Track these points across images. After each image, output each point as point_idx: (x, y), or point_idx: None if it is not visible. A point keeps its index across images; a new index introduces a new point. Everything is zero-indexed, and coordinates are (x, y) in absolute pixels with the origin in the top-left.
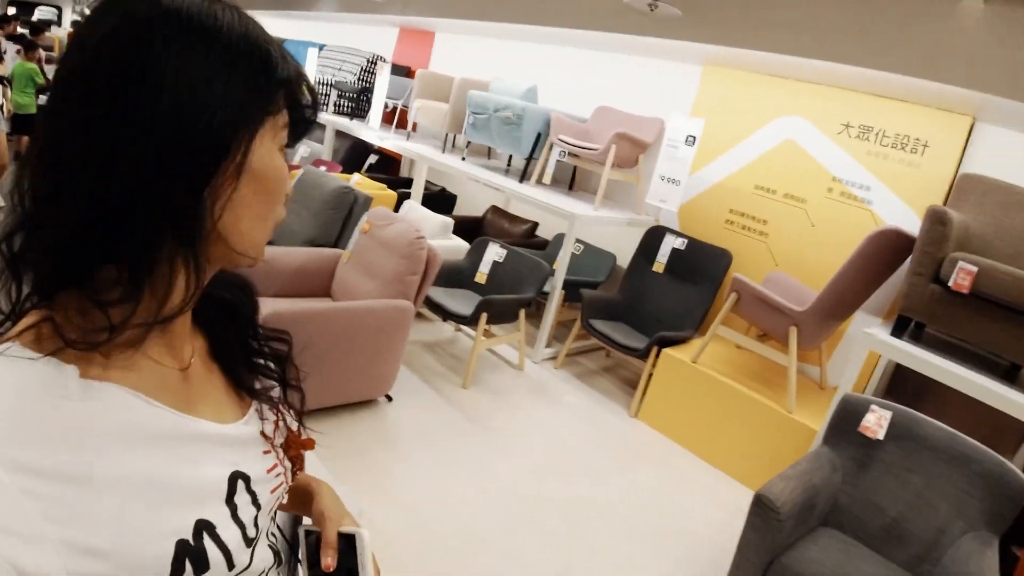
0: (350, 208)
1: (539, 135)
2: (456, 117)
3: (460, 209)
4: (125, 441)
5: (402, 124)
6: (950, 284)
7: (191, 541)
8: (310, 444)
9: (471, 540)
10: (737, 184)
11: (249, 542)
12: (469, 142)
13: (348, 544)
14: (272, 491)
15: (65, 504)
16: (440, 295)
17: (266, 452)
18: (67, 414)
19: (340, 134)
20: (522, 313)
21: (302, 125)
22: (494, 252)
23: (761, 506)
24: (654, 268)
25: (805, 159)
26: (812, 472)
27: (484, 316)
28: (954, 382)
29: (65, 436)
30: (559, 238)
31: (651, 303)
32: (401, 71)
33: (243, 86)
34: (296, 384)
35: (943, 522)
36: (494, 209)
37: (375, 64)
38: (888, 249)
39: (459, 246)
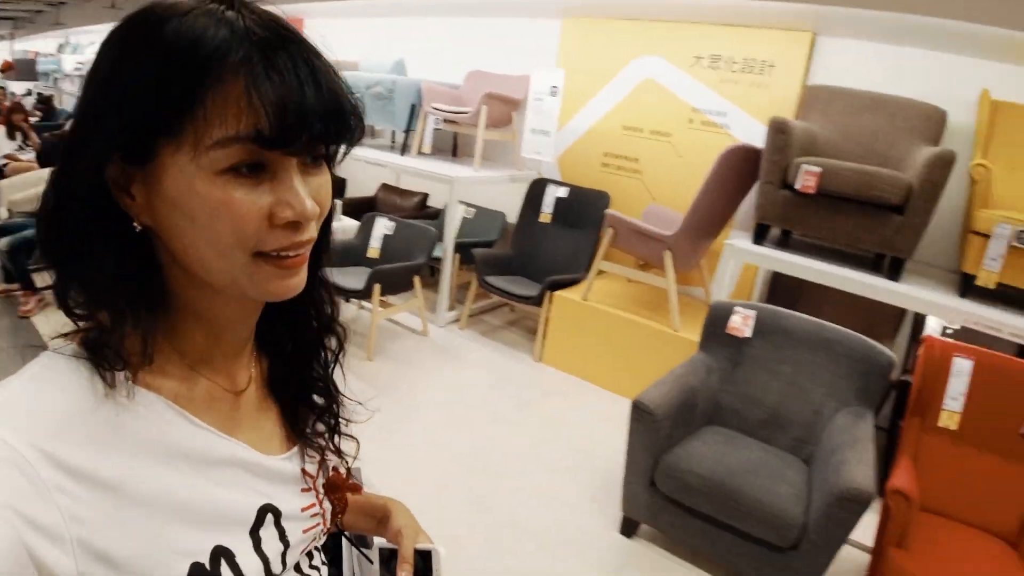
0: None
1: (413, 106)
2: None
3: (352, 191)
4: (161, 455)
5: None
6: (798, 187)
7: (207, 566)
8: (356, 489)
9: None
10: (607, 127)
11: None
12: None
13: (424, 561)
14: (305, 530)
15: (91, 507)
16: (333, 274)
17: (304, 490)
18: (110, 419)
19: None
20: (417, 280)
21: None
22: (383, 226)
23: (638, 411)
24: (541, 219)
25: (665, 95)
26: (687, 375)
27: (377, 287)
28: (815, 276)
29: (105, 441)
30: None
31: (542, 253)
32: None
33: (156, 86)
34: (350, 434)
35: (817, 404)
36: (384, 187)
37: None
38: (739, 165)
39: (349, 226)
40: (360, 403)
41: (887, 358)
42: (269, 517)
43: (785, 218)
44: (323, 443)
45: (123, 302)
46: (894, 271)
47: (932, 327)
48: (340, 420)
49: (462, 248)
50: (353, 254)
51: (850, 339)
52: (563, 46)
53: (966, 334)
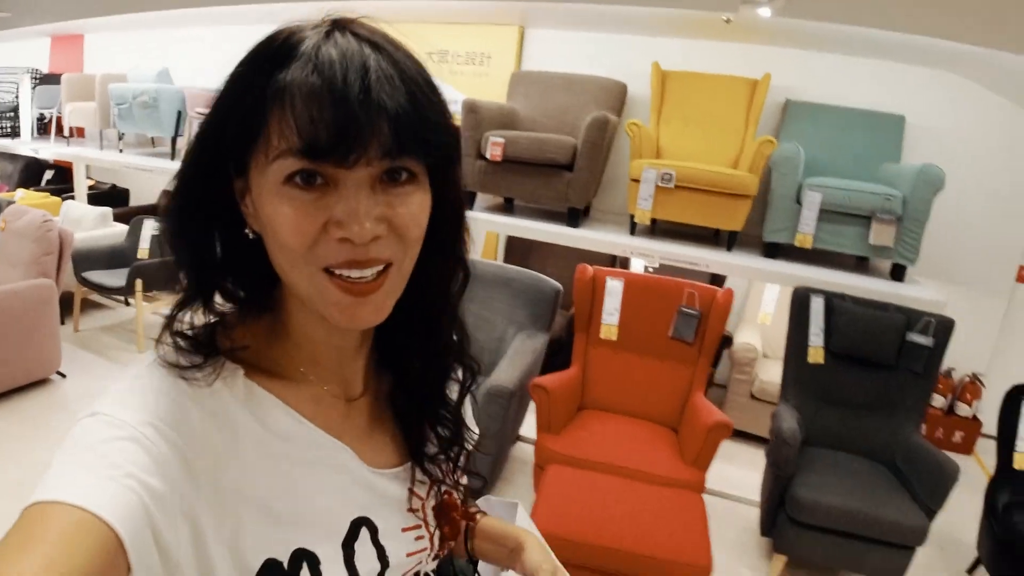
0: None
1: (180, 113)
2: (104, 112)
3: (136, 200)
4: (261, 450)
5: (61, 131)
6: (488, 156)
7: (285, 565)
8: (473, 518)
9: None
10: None
11: None
12: (122, 134)
13: None
14: (409, 554)
15: (191, 486)
16: (100, 276)
17: (411, 511)
18: (218, 410)
19: (15, 156)
20: (182, 274)
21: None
22: (150, 227)
23: None
24: None
25: None
26: None
27: (139, 283)
28: (514, 231)
29: (210, 430)
30: None
31: None
32: (55, 79)
33: (242, 105)
34: (477, 471)
35: (500, 332)
36: (165, 193)
37: (36, 79)
38: None
39: (121, 231)
40: (476, 434)
41: (553, 287)
42: (364, 532)
43: (484, 184)
44: (441, 472)
45: (239, 302)
46: (573, 220)
47: (636, 267)
48: (464, 451)
49: None
50: (124, 257)
51: (524, 276)
52: None
53: (664, 270)
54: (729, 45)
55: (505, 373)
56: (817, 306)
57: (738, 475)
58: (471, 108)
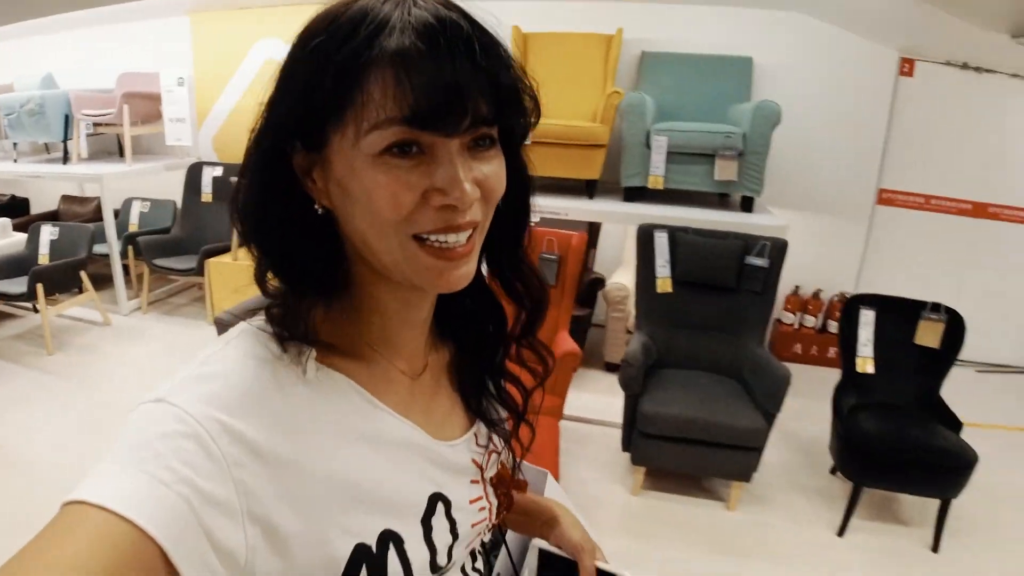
0: None
1: (67, 116)
2: None
3: (37, 208)
4: (339, 433)
5: None
6: None
7: (373, 548)
8: (523, 486)
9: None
10: (246, 105)
11: (436, 568)
12: (16, 143)
13: None
14: (474, 524)
15: (265, 480)
16: (2, 285)
17: (474, 482)
18: (292, 395)
19: None
20: (83, 274)
21: (425, 132)
22: (48, 232)
23: (221, 327)
24: (203, 199)
25: None
26: None
27: (40, 287)
28: None
29: (285, 417)
30: (127, 203)
31: (205, 229)
32: None
33: (322, 76)
34: (529, 422)
35: None
36: (65, 198)
37: None
38: None
39: (20, 240)
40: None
41: None
42: (440, 506)
43: None
44: (507, 432)
45: (309, 281)
46: None
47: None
48: (526, 409)
49: (137, 240)
50: (25, 264)
51: None
52: (195, 39)
53: (546, 223)
54: (586, 3)
55: None
56: (661, 240)
57: (617, 403)
58: None
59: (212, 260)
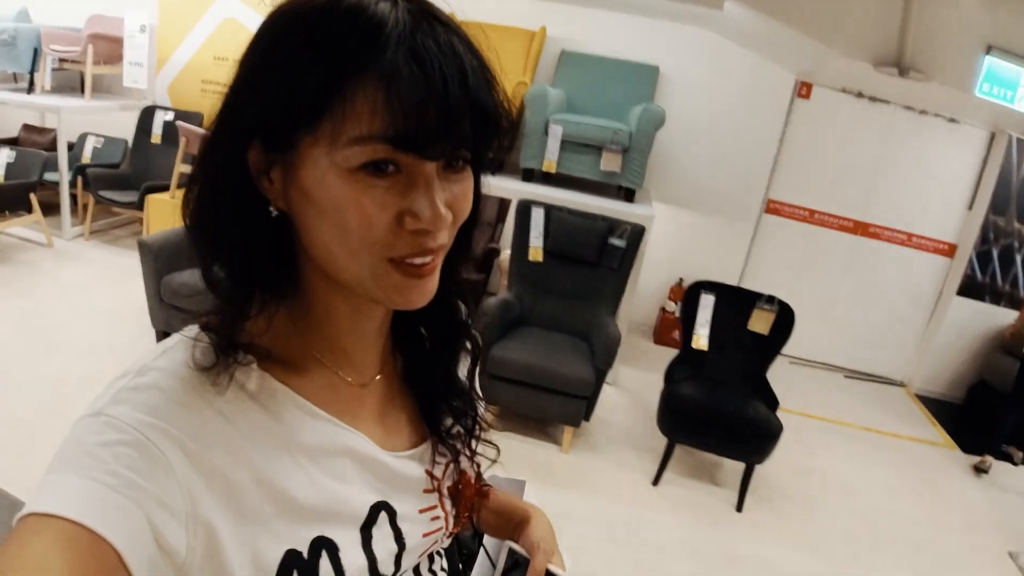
0: None
1: (36, 50)
2: None
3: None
4: (274, 442)
5: None
6: None
7: (304, 555)
8: (484, 493)
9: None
10: (202, 58)
11: None
12: None
13: None
14: (426, 534)
15: (201, 484)
16: None
17: (427, 491)
18: (229, 403)
19: None
20: (32, 197)
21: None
22: (4, 155)
23: (143, 248)
24: (152, 140)
25: (241, 28)
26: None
27: None
28: None
29: (221, 424)
30: (82, 137)
31: (151, 168)
32: None
33: (298, 79)
34: (490, 440)
35: None
36: (26, 127)
37: None
38: None
39: None
40: (489, 408)
41: None
42: (383, 515)
43: None
44: (459, 445)
45: (255, 284)
46: None
47: None
48: (478, 423)
49: (86, 172)
50: None
51: None
52: None
53: None
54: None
55: None
56: (537, 215)
57: None
58: None
59: (151, 196)
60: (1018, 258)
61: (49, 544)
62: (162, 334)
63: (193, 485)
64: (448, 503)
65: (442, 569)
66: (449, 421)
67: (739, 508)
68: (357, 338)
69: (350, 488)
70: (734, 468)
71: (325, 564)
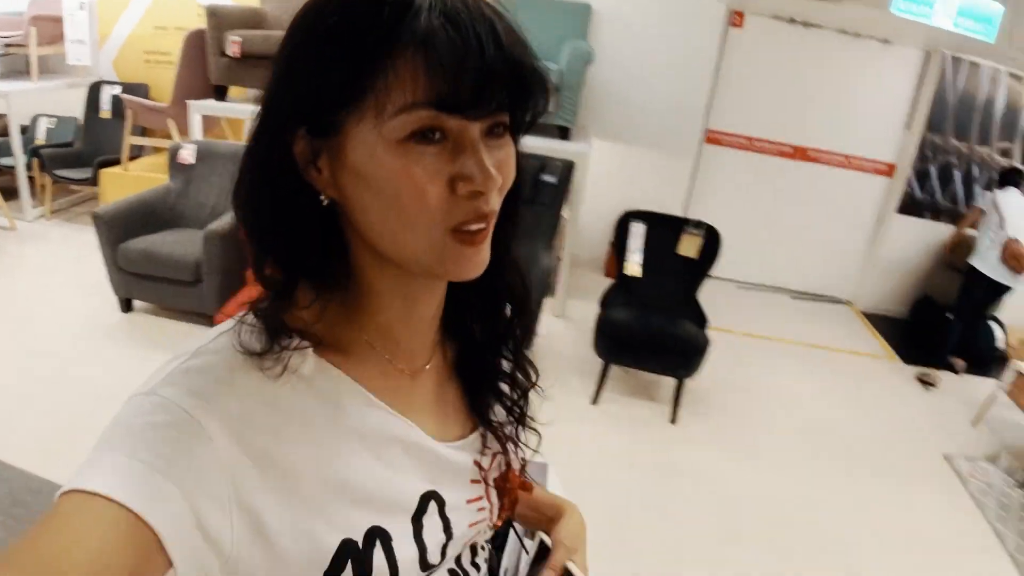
0: None
1: None
2: None
3: None
4: (331, 428)
5: None
6: (228, 53)
7: (359, 544)
8: (528, 487)
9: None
10: (143, 30)
11: (426, 566)
12: None
13: None
14: (471, 524)
15: (253, 472)
16: None
17: (474, 482)
18: (285, 389)
19: None
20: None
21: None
22: None
23: (96, 220)
24: (101, 115)
25: None
26: (146, 195)
27: None
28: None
29: (277, 410)
30: (35, 120)
31: (103, 143)
32: None
33: (336, 60)
34: (534, 427)
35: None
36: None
37: None
38: (198, 43)
39: None
40: (541, 391)
41: None
42: (432, 504)
43: (228, 78)
44: (506, 433)
45: (309, 275)
46: None
47: None
48: (527, 411)
49: (41, 153)
50: None
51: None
52: None
53: None
54: None
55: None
56: None
57: None
58: (212, 12)
59: (105, 170)
60: (957, 174)
61: (91, 523)
62: (124, 301)
63: (240, 469)
64: (493, 494)
65: (485, 561)
66: (498, 411)
67: (673, 420)
68: (409, 326)
69: (403, 477)
70: (670, 385)
71: (379, 555)
